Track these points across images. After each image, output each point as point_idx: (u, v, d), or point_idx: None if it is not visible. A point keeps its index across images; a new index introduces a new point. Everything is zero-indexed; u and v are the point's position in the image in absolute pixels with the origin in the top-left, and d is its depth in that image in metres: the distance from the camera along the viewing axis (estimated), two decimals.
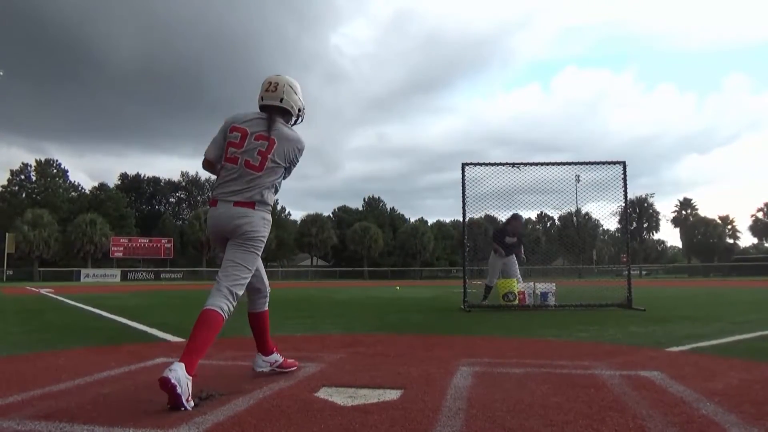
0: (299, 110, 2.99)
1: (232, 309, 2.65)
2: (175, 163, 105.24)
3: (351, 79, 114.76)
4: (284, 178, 2.94)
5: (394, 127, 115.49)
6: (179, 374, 2.26)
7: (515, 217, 8.79)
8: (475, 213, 8.99)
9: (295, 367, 3.16)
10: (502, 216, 9.24)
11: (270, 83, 2.91)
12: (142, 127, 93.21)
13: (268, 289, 3.09)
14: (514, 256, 8.99)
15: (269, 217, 2.83)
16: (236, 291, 2.67)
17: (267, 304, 3.08)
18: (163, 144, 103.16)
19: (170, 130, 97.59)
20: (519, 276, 8.94)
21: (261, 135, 2.77)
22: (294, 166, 2.93)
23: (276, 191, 2.89)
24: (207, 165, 2.91)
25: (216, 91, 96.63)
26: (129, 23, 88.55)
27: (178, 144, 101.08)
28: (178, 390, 2.23)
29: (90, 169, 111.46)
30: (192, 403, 2.30)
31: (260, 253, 2.81)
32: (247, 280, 2.77)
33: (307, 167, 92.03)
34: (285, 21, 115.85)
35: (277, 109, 2.88)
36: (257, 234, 2.74)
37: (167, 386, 2.23)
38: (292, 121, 3.00)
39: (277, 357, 3.09)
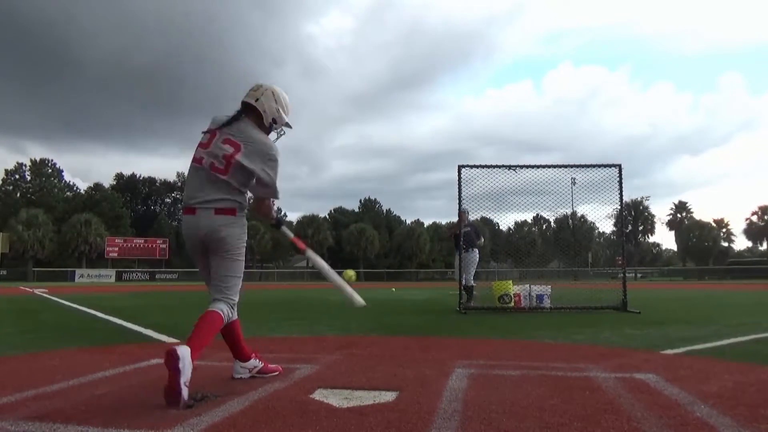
0: (274, 120, 2.86)
1: (232, 315, 2.75)
2: (158, 162, 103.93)
3: (328, 73, 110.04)
4: (259, 188, 2.78)
5: (379, 126, 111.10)
6: (184, 351, 2.30)
7: (461, 211, 8.66)
8: (471, 214, 9.02)
9: (277, 372, 3.06)
10: (497, 217, 9.29)
11: (255, 84, 2.92)
12: (123, 126, 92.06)
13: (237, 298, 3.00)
14: (474, 252, 9.11)
15: (246, 220, 2.80)
16: (233, 299, 2.76)
17: (236, 313, 2.94)
18: (147, 143, 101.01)
19: (153, 128, 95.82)
20: (471, 277, 9.01)
21: (228, 139, 2.71)
22: (266, 175, 2.72)
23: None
24: None
25: (197, 88, 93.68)
26: (103, 21, 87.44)
27: (163, 143, 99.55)
28: (180, 364, 2.26)
29: (72, 168, 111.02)
30: (187, 391, 2.30)
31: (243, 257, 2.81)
32: (239, 286, 2.81)
33: (292, 167, 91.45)
34: (247, 9, 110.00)
35: (250, 108, 2.83)
36: (241, 242, 2.75)
37: (172, 357, 2.26)
38: (267, 131, 2.87)
39: (255, 362, 3.00)
